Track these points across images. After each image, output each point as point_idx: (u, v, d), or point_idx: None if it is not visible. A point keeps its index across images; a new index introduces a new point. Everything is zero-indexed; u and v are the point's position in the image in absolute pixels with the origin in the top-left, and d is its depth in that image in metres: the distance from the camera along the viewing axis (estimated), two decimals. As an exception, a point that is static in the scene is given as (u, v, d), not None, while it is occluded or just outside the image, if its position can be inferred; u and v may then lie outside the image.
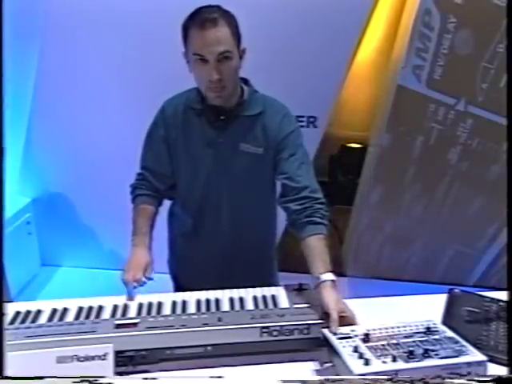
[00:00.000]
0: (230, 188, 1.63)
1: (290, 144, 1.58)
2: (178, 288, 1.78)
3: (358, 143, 4.43)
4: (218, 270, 1.71)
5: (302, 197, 1.52)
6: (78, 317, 1.33)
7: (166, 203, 1.78)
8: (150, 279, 1.50)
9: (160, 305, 1.38)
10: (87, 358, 1.15)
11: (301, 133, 1.63)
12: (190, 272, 1.76)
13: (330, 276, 1.37)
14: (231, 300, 1.41)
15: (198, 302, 1.40)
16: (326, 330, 1.25)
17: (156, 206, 1.69)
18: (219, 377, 1.09)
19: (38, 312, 1.35)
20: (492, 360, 1.20)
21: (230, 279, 1.60)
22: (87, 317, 1.33)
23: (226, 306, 1.38)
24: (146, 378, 1.10)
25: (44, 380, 1.04)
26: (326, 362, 1.22)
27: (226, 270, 1.70)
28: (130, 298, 1.43)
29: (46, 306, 1.38)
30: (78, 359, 1.14)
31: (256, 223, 1.70)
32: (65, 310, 1.36)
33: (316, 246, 1.45)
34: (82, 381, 1.03)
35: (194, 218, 1.69)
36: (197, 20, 1.42)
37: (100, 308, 1.37)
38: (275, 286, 1.56)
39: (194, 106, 1.59)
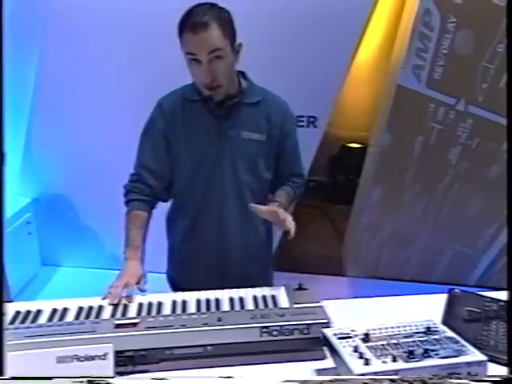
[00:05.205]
0: (235, 176, 1.64)
1: (291, 138, 1.73)
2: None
3: (358, 143, 4.44)
4: (218, 264, 1.71)
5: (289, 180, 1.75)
6: (77, 317, 1.33)
7: (164, 207, 1.78)
8: (143, 291, 1.48)
9: (160, 305, 1.38)
10: (87, 358, 1.15)
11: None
12: (190, 273, 1.75)
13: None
14: (231, 300, 1.41)
15: (198, 302, 1.40)
16: (326, 330, 1.25)
17: (149, 211, 1.66)
18: (225, 377, 1.09)
19: (38, 312, 1.35)
20: (492, 360, 1.20)
21: (230, 273, 1.65)
22: (87, 317, 1.33)
23: (226, 306, 1.38)
24: (155, 378, 1.10)
25: (44, 380, 1.03)
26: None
27: (226, 263, 1.71)
28: (128, 298, 1.43)
29: (45, 305, 1.38)
30: (78, 359, 1.14)
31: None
32: (65, 309, 1.36)
33: (281, 194, 1.69)
34: (82, 381, 1.03)
35: (198, 207, 1.67)
36: (189, 23, 1.45)
37: (100, 308, 1.37)
38: (271, 280, 1.58)
39: (193, 97, 1.62)
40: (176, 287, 1.79)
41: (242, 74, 1.66)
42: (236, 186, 1.65)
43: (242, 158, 1.63)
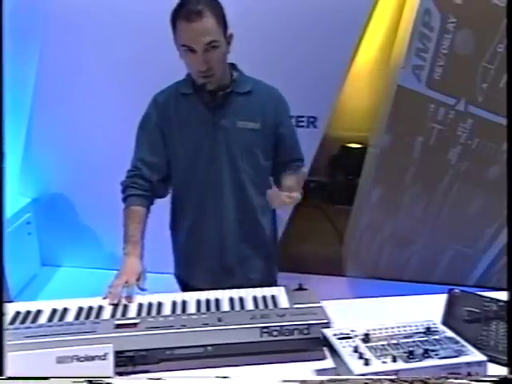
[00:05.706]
0: (232, 165, 1.64)
1: (287, 125, 1.73)
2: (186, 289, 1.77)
3: (357, 143, 4.44)
4: (221, 260, 1.71)
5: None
6: (78, 317, 1.33)
7: (162, 206, 1.77)
8: (143, 290, 1.48)
9: (160, 305, 1.38)
10: (87, 358, 1.15)
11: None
12: (194, 270, 1.75)
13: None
14: (231, 300, 1.41)
15: (198, 302, 1.40)
16: (326, 330, 1.25)
17: (147, 206, 1.66)
18: (225, 377, 1.09)
19: (38, 312, 1.35)
20: (492, 360, 1.20)
21: (232, 268, 1.67)
22: (87, 317, 1.33)
23: (226, 306, 1.38)
24: (151, 378, 1.10)
25: (44, 380, 1.04)
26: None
27: (228, 258, 1.72)
28: (129, 298, 1.43)
29: (45, 306, 1.38)
30: (78, 359, 1.14)
31: (258, 203, 1.68)
32: (65, 310, 1.36)
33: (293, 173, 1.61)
34: (82, 381, 1.03)
35: (198, 200, 1.67)
36: (183, 12, 1.46)
37: (100, 308, 1.37)
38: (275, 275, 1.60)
39: (187, 91, 1.64)
40: (183, 285, 1.80)
41: (232, 65, 1.68)
42: (234, 176, 1.65)
43: (238, 148, 1.64)
